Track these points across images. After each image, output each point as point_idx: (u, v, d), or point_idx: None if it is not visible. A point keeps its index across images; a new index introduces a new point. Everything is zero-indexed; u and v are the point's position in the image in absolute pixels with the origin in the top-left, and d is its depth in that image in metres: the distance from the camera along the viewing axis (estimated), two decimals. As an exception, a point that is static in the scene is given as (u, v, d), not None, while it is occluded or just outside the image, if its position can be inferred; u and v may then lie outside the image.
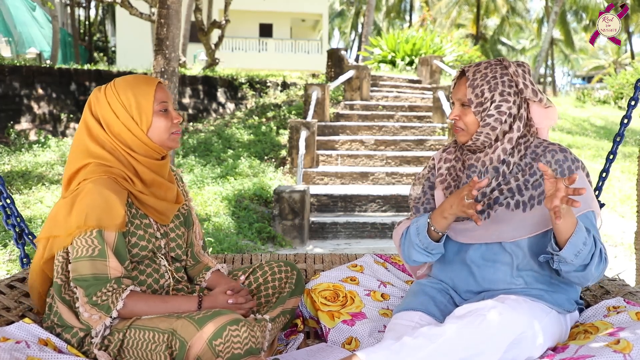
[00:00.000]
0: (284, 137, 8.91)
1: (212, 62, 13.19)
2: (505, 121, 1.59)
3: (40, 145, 8.48)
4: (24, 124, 9.31)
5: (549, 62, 36.26)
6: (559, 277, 1.58)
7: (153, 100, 1.64)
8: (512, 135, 1.61)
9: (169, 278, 1.73)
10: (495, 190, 1.62)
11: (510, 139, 1.61)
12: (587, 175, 1.62)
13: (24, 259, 2.05)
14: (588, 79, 43.69)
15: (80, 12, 25.69)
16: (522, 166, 1.62)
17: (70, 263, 1.53)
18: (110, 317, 1.51)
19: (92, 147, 1.61)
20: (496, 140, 1.62)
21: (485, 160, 1.64)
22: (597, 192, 2.25)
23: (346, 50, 23.57)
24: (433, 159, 1.85)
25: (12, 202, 2.03)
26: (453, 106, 1.68)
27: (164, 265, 1.72)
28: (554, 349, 1.51)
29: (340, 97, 10.40)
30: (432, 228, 1.66)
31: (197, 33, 13.00)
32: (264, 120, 10.23)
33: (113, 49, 26.82)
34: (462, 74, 1.67)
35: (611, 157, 2.24)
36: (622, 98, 15.41)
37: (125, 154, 1.62)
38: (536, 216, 1.57)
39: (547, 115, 1.65)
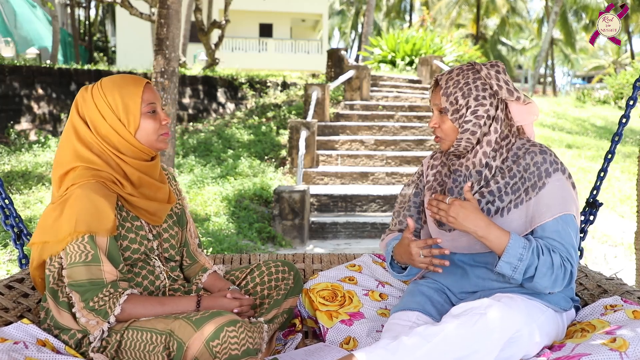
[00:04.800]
0: (284, 137, 8.91)
1: (212, 62, 13.19)
2: (485, 123, 1.60)
3: (40, 145, 8.49)
4: (24, 124, 9.32)
5: (549, 62, 36.26)
6: None
7: (140, 101, 1.60)
8: (490, 137, 1.60)
9: (165, 279, 1.72)
10: (476, 194, 1.63)
11: (489, 142, 1.61)
12: (569, 176, 1.60)
13: (23, 260, 2.05)
14: (588, 79, 43.70)
15: (80, 12, 25.71)
16: (503, 169, 1.62)
17: (64, 269, 1.52)
18: (108, 322, 1.51)
19: (80, 149, 1.59)
20: (477, 143, 1.62)
21: (469, 165, 1.64)
22: (595, 192, 2.25)
23: (346, 50, 23.56)
24: (422, 165, 1.88)
25: (11, 202, 2.03)
26: (432, 114, 1.69)
27: (159, 267, 1.71)
28: (551, 347, 1.51)
29: (340, 97, 10.40)
30: (395, 261, 1.76)
31: (197, 33, 13.01)
32: (264, 120, 10.23)
33: (113, 49, 26.83)
34: (437, 82, 1.67)
35: (609, 156, 2.24)
36: (622, 98, 15.42)
37: (113, 156, 1.60)
38: (514, 220, 1.58)
39: (528, 110, 1.64)
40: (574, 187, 1.60)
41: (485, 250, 1.63)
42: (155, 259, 1.71)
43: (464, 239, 1.66)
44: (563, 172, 1.58)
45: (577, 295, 1.89)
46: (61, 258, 1.53)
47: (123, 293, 1.53)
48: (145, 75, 10.80)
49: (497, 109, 1.61)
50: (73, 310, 1.53)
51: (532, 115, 1.65)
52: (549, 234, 1.53)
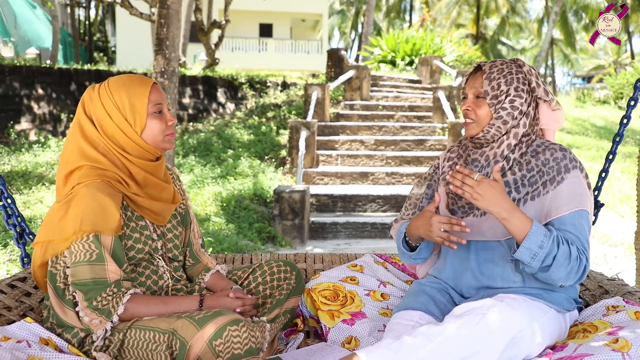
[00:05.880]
0: (284, 137, 8.91)
1: (212, 62, 13.19)
2: (516, 117, 1.64)
3: (40, 145, 8.49)
4: (24, 124, 9.32)
5: (549, 62, 36.24)
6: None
7: (147, 101, 1.61)
8: (518, 130, 1.65)
9: (168, 279, 1.72)
10: None
11: (516, 134, 1.65)
12: (586, 176, 1.63)
13: (25, 259, 2.05)
14: (588, 79, 43.69)
15: (80, 12, 25.70)
16: (521, 162, 1.65)
17: (68, 267, 1.52)
18: (111, 321, 1.51)
19: (85, 148, 1.59)
20: (505, 133, 1.65)
21: (490, 155, 1.67)
22: (596, 192, 2.26)
23: (346, 50, 23.56)
24: (438, 159, 1.90)
25: (13, 201, 2.03)
26: (464, 100, 1.71)
27: (162, 266, 1.71)
28: (553, 348, 1.51)
29: (340, 97, 10.41)
30: (407, 238, 1.76)
31: (197, 33, 13.01)
32: (264, 120, 10.24)
33: (113, 49, 26.82)
34: (478, 68, 1.71)
35: (611, 157, 2.24)
36: (622, 98, 15.42)
37: (119, 155, 1.60)
38: (530, 212, 1.60)
39: (555, 117, 1.70)
40: (589, 187, 1.63)
41: (495, 238, 1.64)
42: (159, 259, 1.71)
43: (475, 227, 1.66)
44: (581, 170, 1.62)
45: (579, 296, 1.89)
46: (66, 257, 1.54)
47: (126, 292, 1.53)
48: (145, 75, 10.81)
49: (529, 105, 1.66)
50: (77, 309, 1.53)
51: (556, 123, 1.71)
52: (567, 227, 1.55)
